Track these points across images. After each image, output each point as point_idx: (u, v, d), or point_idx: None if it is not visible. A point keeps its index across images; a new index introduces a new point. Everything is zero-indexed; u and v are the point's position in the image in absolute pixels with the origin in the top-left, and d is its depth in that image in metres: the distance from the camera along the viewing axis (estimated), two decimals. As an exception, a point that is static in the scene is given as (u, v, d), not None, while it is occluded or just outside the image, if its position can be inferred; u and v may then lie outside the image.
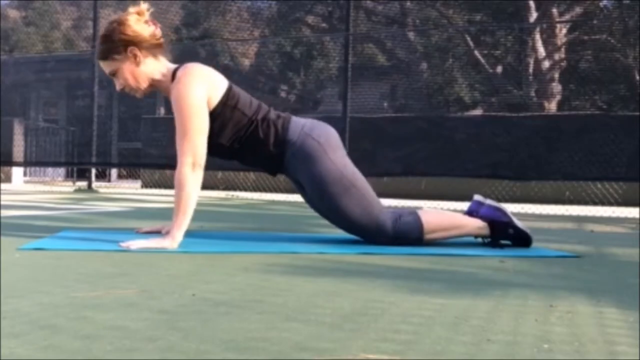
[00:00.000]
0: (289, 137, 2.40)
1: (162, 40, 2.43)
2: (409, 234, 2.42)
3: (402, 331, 1.10)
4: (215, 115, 2.35)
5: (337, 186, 2.38)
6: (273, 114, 2.45)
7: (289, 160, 2.42)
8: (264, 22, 10.02)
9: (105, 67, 2.42)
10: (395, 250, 2.27)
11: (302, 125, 2.43)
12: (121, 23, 2.37)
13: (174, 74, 2.38)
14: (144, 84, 2.41)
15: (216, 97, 2.35)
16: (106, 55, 2.40)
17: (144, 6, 2.40)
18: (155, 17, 2.47)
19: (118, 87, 2.44)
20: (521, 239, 2.51)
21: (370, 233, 2.43)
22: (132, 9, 2.39)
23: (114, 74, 2.41)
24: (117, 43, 2.35)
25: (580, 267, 2.11)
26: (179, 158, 2.26)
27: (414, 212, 2.48)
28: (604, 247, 2.89)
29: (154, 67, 2.40)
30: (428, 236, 2.44)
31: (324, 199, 2.42)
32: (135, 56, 2.36)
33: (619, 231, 4.03)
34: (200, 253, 2.15)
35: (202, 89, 2.31)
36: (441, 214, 2.61)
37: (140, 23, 2.37)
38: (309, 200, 2.55)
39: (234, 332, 1.07)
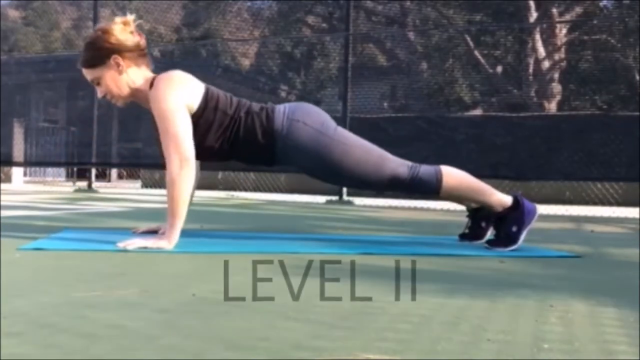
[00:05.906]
0: (275, 126, 2.40)
1: (146, 51, 2.44)
2: (426, 183, 2.42)
3: (401, 330, 1.10)
4: (198, 119, 2.34)
5: (334, 154, 2.39)
6: (255, 107, 2.44)
7: (281, 150, 2.42)
8: (264, 22, 10.02)
9: (88, 74, 2.43)
10: (395, 250, 2.27)
11: (283, 112, 2.43)
12: (106, 32, 2.38)
13: (152, 83, 2.38)
14: (125, 92, 2.42)
15: (195, 101, 2.34)
16: (89, 63, 2.41)
17: (130, 17, 2.41)
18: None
19: (100, 94, 2.45)
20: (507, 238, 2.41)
21: (383, 184, 2.43)
22: (118, 19, 2.40)
23: (96, 81, 2.41)
24: (101, 51, 2.37)
25: (580, 267, 2.11)
26: (166, 159, 2.26)
27: (435, 166, 2.47)
28: (604, 247, 2.89)
29: (136, 76, 2.40)
30: (446, 189, 2.42)
31: (328, 170, 2.43)
32: (118, 65, 2.37)
33: (619, 231, 4.03)
34: (200, 253, 2.16)
35: (178, 92, 2.31)
36: (465, 174, 2.53)
37: (125, 33, 2.38)
38: (316, 177, 2.56)
39: (234, 331, 1.07)
